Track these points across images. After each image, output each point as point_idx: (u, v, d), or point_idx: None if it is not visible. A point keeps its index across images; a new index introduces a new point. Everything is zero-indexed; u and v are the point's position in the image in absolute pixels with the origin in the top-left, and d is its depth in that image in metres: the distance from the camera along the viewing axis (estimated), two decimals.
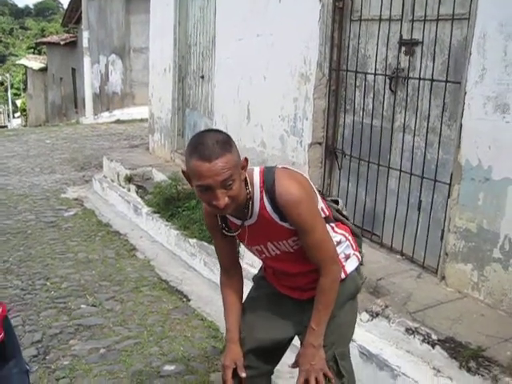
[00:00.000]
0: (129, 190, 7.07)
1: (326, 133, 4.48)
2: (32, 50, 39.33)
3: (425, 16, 3.50)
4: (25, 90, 30.47)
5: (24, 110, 28.82)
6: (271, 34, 4.95)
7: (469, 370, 2.53)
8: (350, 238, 2.23)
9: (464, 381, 2.55)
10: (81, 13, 17.06)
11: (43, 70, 24.81)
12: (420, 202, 3.65)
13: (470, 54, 3.07)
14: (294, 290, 2.21)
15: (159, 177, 6.89)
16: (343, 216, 2.30)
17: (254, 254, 2.18)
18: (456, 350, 2.65)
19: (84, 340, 3.47)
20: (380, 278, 3.47)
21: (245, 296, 2.30)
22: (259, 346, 2.19)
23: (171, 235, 5.43)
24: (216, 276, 4.48)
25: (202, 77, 6.87)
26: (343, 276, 2.12)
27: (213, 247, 4.64)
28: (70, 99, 20.99)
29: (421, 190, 3.62)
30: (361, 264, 2.26)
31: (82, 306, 3.99)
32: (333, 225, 2.16)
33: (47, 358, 3.25)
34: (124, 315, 3.83)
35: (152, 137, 8.32)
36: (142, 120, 14.05)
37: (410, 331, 2.87)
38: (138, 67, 15.05)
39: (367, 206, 4.14)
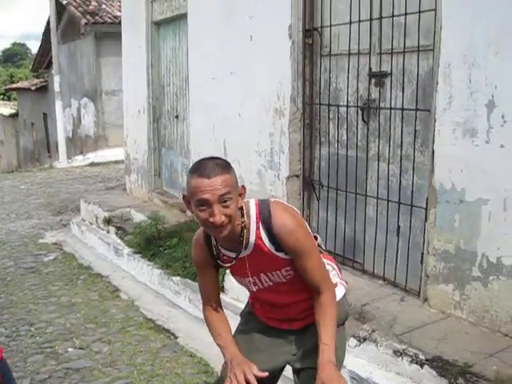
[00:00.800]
0: (108, 232, 7.06)
1: (302, 165, 4.60)
2: (1, 96, 39.29)
3: (392, 48, 3.67)
4: None
5: None
6: (244, 71, 5.10)
7: None
8: (335, 267, 2.32)
9: None
10: (51, 58, 17.16)
11: (14, 115, 24.75)
12: (398, 227, 3.76)
13: (437, 83, 3.23)
14: (283, 322, 2.24)
15: (138, 217, 6.91)
16: (323, 248, 2.38)
17: (245, 285, 2.21)
18: (444, 368, 2.72)
19: (74, 383, 3.45)
20: (365, 303, 3.54)
21: (233, 330, 2.32)
22: None
23: (154, 274, 5.44)
24: (201, 312, 4.53)
25: (177, 116, 6.98)
26: None
27: (197, 284, 4.72)
28: (43, 144, 20.93)
29: (398, 215, 3.74)
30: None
31: (70, 349, 3.97)
32: (320, 255, 2.22)
33: None
34: (112, 356, 3.82)
35: (129, 177, 8.36)
36: (116, 162, 14.08)
37: (397, 353, 2.93)
38: (110, 109, 15.14)
39: (347, 234, 4.24)
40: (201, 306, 4.52)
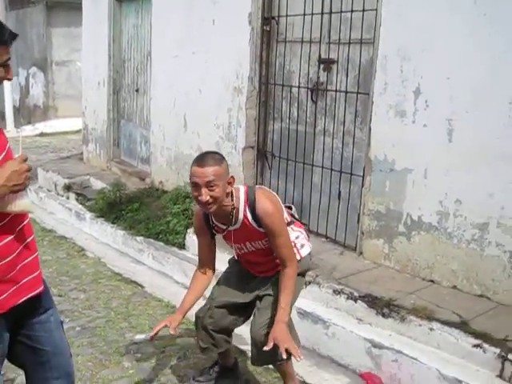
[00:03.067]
0: (68, 198, 7.43)
1: (257, 138, 5.18)
2: None
3: (339, 39, 4.28)
4: None
5: None
6: (206, 51, 5.59)
7: (383, 315, 3.29)
8: (304, 232, 3.01)
9: (380, 324, 3.31)
10: None
11: None
12: (339, 192, 4.41)
13: (375, 71, 3.87)
14: (259, 272, 2.93)
15: (98, 184, 7.32)
16: (296, 218, 3.08)
17: (235, 250, 2.89)
18: (373, 302, 3.40)
19: None
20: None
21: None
22: (224, 305, 2.90)
23: (118, 235, 5.91)
24: (164, 267, 5.09)
25: (137, 90, 7.39)
26: (298, 258, 2.82)
27: (160, 243, 5.24)
28: None
29: (340, 182, 4.39)
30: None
31: None
32: (292, 226, 2.90)
33: None
34: (90, 301, 4.32)
35: (86, 147, 8.70)
36: (66, 132, 14.22)
37: (336, 292, 3.59)
38: (60, 80, 15.17)
39: (295, 199, 4.86)
40: (164, 262, 5.11)
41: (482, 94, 3.32)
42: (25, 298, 2.02)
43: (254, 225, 2.66)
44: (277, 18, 4.85)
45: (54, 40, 14.93)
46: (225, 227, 2.76)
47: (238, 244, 2.82)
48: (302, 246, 2.91)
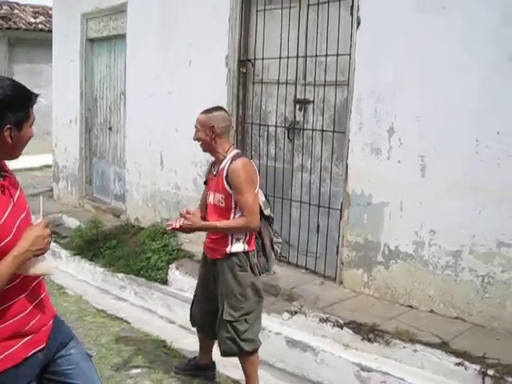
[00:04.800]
0: None
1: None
2: None
3: (314, 81, 4.57)
4: None
5: None
6: (182, 91, 5.81)
7: (369, 340, 3.51)
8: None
9: (366, 348, 3.52)
10: None
11: None
12: (318, 225, 4.64)
13: (351, 111, 4.16)
14: (211, 250, 3.31)
15: (71, 222, 7.38)
16: (270, 223, 3.41)
17: (208, 199, 3.31)
18: (358, 328, 3.62)
19: None
20: (292, 287, 4.40)
21: None
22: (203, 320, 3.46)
23: (97, 272, 5.98)
24: (147, 302, 5.19)
25: (110, 128, 7.53)
26: (228, 251, 3.19)
27: (142, 279, 5.35)
28: None
29: (318, 216, 4.62)
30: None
31: None
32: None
33: None
34: (79, 338, 4.37)
35: (57, 184, 8.75)
36: (30, 169, 14.12)
37: (322, 320, 3.80)
38: None
39: None
40: (147, 298, 5.19)
41: (449, 132, 3.64)
42: (34, 351, 2.06)
43: (224, 176, 3.14)
44: (253, 61, 5.12)
45: (16, 76, 14.84)
46: (213, 173, 3.29)
47: (211, 191, 3.29)
48: (237, 239, 3.22)
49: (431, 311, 3.79)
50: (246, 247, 3.23)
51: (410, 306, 3.90)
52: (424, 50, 3.74)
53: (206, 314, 3.41)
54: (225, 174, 3.13)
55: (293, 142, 4.85)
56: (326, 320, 3.78)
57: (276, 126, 4.97)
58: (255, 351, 3.26)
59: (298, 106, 4.77)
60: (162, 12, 6.01)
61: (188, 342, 4.24)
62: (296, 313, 3.99)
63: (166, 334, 4.44)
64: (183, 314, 4.62)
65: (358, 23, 4.03)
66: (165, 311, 4.94)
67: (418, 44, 3.77)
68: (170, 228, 3.23)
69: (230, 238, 3.20)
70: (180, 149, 5.94)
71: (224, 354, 3.30)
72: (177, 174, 6.08)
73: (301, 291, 4.32)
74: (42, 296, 2.19)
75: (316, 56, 4.50)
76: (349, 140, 4.20)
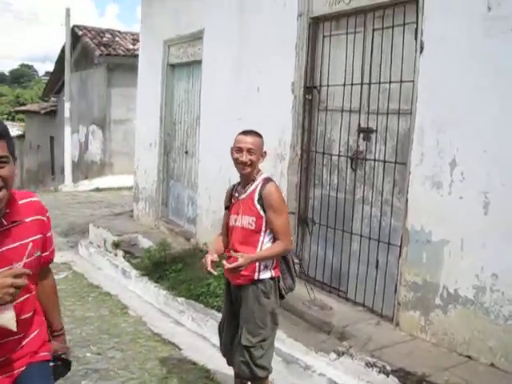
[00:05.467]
0: (116, 255, 7.63)
1: (298, 204, 5.24)
2: (6, 116, 40.03)
3: (377, 109, 4.35)
4: None
5: None
6: (250, 118, 5.76)
7: None
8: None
9: None
10: (62, 84, 17.95)
11: (20, 136, 25.45)
12: (377, 261, 4.38)
13: (412, 142, 3.91)
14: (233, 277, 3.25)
15: (145, 242, 7.51)
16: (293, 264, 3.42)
17: (231, 222, 3.33)
18: (406, 377, 3.33)
19: (94, 380, 4.04)
20: (346, 325, 4.16)
21: None
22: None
23: (160, 295, 6.01)
24: (203, 329, 5.11)
25: (186, 152, 7.64)
26: (256, 277, 3.21)
27: (200, 305, 5.30)
28: (47, 166, 21.59)
29: (378, 251, 4.37)
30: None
31: (88, 354, 4.54)
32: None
33: None
34: (126, 361, 4.39)
35: (136, 205, 8.97)
36: (120, 188, 14.70)
37: (369, 365, 3.54)
38: (117, 138, 15.84)
39: (334, 266, 4.86)
40: (202, 325, 5.15)
41: None
42: None
43: (255, 198, 3.20)
44: (318, 88, 4.99)
45: (113, 99, 15.68)
46: (237, 196, 3.33)
47: (236, 214, 3.29)
48: (265, 267, 3.26)
49: (491, 365, 3.41)
50: (273, 273, 3.28)
51: (469, 357, 3.54)
52: (492, 77, 3.44)
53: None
54: (257, 197, 3.22)
55: (355, 172, 4.64)
56: (372, 365, 3.52)
57: (339, 156, 4.78)
58: (267, 377, 3.33)
59: (361, 135, 4.57)
60: (236, 40, 6.03)
61: (232, 373, 4.12)
62: (343, 354, 3.75)
63: (213, 364, 4.33)
64: None
65: (422, 48, 3.80)
66: (217, 340, 4.84)
67: (485, 70, 3.48)
68: (210, 269, 3.23)
69: (257, 264, 3.22)
70: None
71: (236, 375, 3.38)
72: None
73: (354, 330, 4.08)
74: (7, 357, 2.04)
75: (380, 83, 4.30)
76: (409, 172, 3.94)
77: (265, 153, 3.35)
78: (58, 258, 8.28)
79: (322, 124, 5.00)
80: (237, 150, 3.25)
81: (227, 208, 3.45)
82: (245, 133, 3.30)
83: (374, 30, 4.35)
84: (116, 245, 7.76)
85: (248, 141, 3.23)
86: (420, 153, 3.85)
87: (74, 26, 16.78)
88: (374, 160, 4.40)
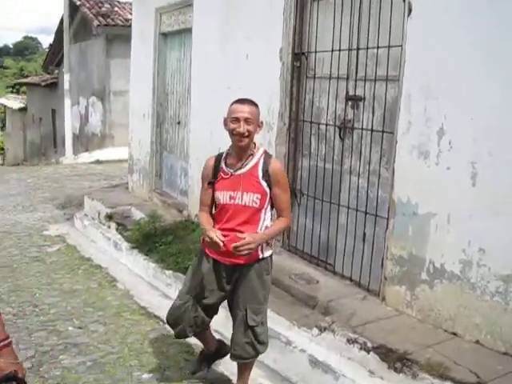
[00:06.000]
0: (109, 227, 7.52)
1: (286, 175, 5.07)
2: (10, 88, 39.83)
3: (365, 76, 4.16)
4: (3, 128, 30.90)
5: (2, 149, 29.21)
6: (240, 86, 5.58)
7: (395, 369, 3.09)
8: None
9: (392, 379, 3.10)
10: (62, 55, 17.70)
11: (22, 109, 25.29)
12: (364, 234, 4.24)
13: (399, 110, 3.72)
14: (226, 257, 3.11)
15: (138, 215, 7.39)
16: None
17: (221, 198, 3.10)
18: (387, 354, 3.21)
19: (72, 355, 3.96)
20: (330, 299, 4.03)
21: None
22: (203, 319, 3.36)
23: (149, 267, 5.91)
24: None
25: (179, 122, 7.47)
26: (261, 256, 3.11)
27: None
28: (49, 139, 21.46)
29: (365, 223, 4.22)
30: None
31: (70, 328, 4.46)
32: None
33: (41, 369, 3.74)
34: (107, 335, 4.31)
35: (131, 177, 8.85)
36: (120, 161, 14.53)
37: (350, 341, 3.42)
38: (117, 109, 15.63)
39: (322, 238, 4.72)
40: None
41: (508, 136, 3.12)
42: None
43: (260, 176, 3.04)
44: (306, 54, 4.79)
45: (112, 70, 15.43)
46: (231, 171, 3.10)
47: (232, 191, 3.07)
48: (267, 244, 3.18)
49: (477, 342, 3.28)
50: (272, 250, 3.26)
51: (454, 334, 3.41)
52: (484, 41, 3.23)
53: (206, 312, 3.34)
54: (261, 173, 3.06)
55: (343, 141, 4.46)
56: (354, 341, 3.40)
57: (327, 125, 4.60)
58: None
59: (349, 103, 4.38)
60: (224, 5, 5.81)
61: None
62: (325, 329, 3.63)
63: (195, 340, 4.23)
64: (219, 318, 4.43)
65: (410, 10, 3.58)
66: None
67: (477, 35, 3.27)
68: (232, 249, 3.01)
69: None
70: None
71: (237, 358, 3.25)
72: None
73: (338, 305, 3.95)
74: None
75: (367, 48, 4.09)
76: (396, 141, 3.76)
77: (261, 123, 3.15)
78: (53, 230, 8.24)
79: (310, 92, 4.81)
80: (233, 120, 3.03)
81: (210, 183, 3.19)
82: (241, 101, 3.07)
83: None
84: (109, 217, 7.64)
85: (245, 110, 3.02)
86: (407, 121, 3.67)
87: None
88: (362, 129, 4.22)
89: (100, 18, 14.98)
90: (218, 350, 3.59)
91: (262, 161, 3.08)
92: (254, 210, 3.07)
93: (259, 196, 3.05)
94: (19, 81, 28.88)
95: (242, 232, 3.04)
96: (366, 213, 4.19)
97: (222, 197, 3.11)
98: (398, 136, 3.74)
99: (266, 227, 3.13)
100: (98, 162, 15.47)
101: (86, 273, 6.11)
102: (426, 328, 3.54)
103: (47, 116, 21.66)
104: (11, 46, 66.60)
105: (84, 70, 17.22)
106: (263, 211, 3.11)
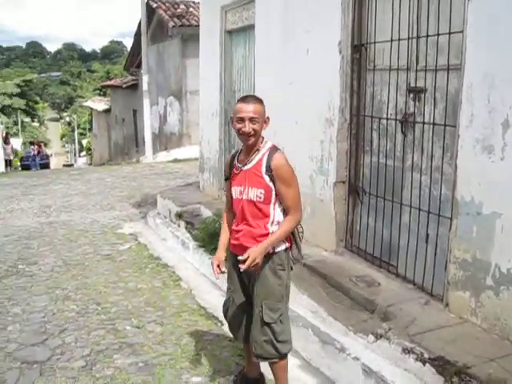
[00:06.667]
0: (179, 226, 7.60)
1: (348, 172, 4.88)
2: (98, 91, 41.64)
3: (426, 66, 3.89)
4: (90, 130, 32.38)
5: (89, 149, 30.62)
6: (301, 82, 5.44)
7: None
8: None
9: None
10: (141, 57, 18.21)
11: (107, 111, 26.32)
12: (427, 234, 3.97)
13: (461, 101, 3.44)
14: (241, 249, 3.10)
15: (206, 213, 7.40)
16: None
17: (235, 193, 3.16)
18: (444, 367, 2.96)
19: (126, 355, 3.99)
20: (390, 304, 3.80)
21: None
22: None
23: None
24: None
25: None
26: (271, 251, 3.08)
27: None
28: (132, 139, 22.18)
29: (428, 223, 3.95)
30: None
31: (128, 327, 4.51)
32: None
33: (93, 368, 3.81)
34: (163, 336, 4.32)
35: (202, 175, 8.89)
36: (197, 159, 14.73)
37: (406, 351, 3.19)
38: (193, 108, 15.85)
39: (385, 238, 4.48)
40: None
41: None
42: None
43: (263, 170, 3.03)
44: (366, 45, 4.56)
45: (188, 70, 15.69)
46: (240, 166, 3.14)
47: (240, 186, 3.12)
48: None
49: None
50: (287, 244, 3.18)
51: None
52: None
53: (247, 320, 3.30)
54: (264, 168, 3.05)
55: (405, 136, 4.21)
56: (410, 351, 3.17)
57: (387, 119, 4.36)
58: (286, 355, 3.23)
59: (411, 96, 4.12)
60: (284, 0, 5.67)
61: None
62: (381, 337, 3.42)
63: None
64: None
65: None
66: None
67: None
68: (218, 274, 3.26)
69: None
70: (299, 142, 5.59)
71: (259, 357, 3.22)
72: (295, 169, 5.68)
73: (398, 310, 3.72)
74: None
75: (427, 36, 3.82)
76: (458, 136, 3.48)
77: (268, 118, 3.13)
78: (127, 228, 8.44)
79: (370, 85, 4.58)
80: (238, 120, 3.05)
81: (227, 179, 3.27)
82: (245, 100, 3.08)
83: None
84: (179, 215, 7.72)
85: (250, 109, 3.02)
86: (470, 113, 3.38)
87: (148, 0, 16.87)
88: (423, 123, 3.95)
89: (175, 19, 15.25)
90: (256, 381, 3.51)
91: (266, 155, 3.08)
92: (261, 204, 3.09)
93: (262, 191, 3.06)
94: (103, 83, 30.10)
95: (253, 227, 3.10)
96: (428, 212, 3.92)
97: (234, 192, 3.19)
98: (461, 130, 3.46)
99: (278, 222, 3.10)
100: (175, 160, 15.79)
101: (152, 271, 6.18)
102: (491, 339, 3.25)
103: (129, 117, 22.38)
104: (98, 51, 69.56)
105: (162, 70, 17.62)
106: (271, 206, 3.10)
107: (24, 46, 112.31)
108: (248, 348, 3.36)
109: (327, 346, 3.70)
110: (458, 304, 3.56)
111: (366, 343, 3.49)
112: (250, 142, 3.08)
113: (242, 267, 2.97)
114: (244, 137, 3.07)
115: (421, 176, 4.04)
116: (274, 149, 3.13)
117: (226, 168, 3.31)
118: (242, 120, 3.03)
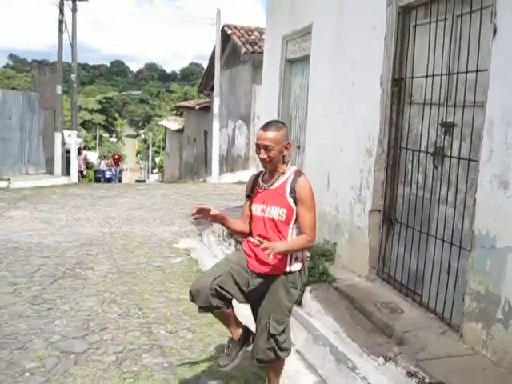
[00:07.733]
0: (230, 245, 7.89)
1: (384, 201, 5.02)
2: (174, 111, 43.17)
3: (455, 102, 4.03)
4: (164, 148, 33.52)
5: (161, 167, 31.68)
6: (347, 112, 5.65)
7: None
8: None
9: None
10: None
11: (180, 130, 27.29)
12: (449, 266, 4.05)
13: (482, 137, 3.55)
14: (256, 263, 3.31)
15: None
16: None
17: (256, 211, 3.33)
18: None
19: (154, 356, 4.32)
20: (406, 330, 3.91)
21: None
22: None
23: None
24: None
25: (299, 147, 7.66)
26: (288, 269, 3.28)
27: None
28: (202, 159, 22.89)
29: (450, 255, 4.04)
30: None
31: (161, 331, 4.84)
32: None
33: (122, 363, 4.16)
34: (192, 342, 4.60)
35: None
36: None
37: (409, 374, 3.29)
38: None
39: (412, 268, 4.58)
40: None
41: None
42: None
43: (287, 191, 3.23)
44: (405, 80, 4.73)
45: (257, 96, 16.14)
46: (265, 186, 3.33)
47: (262, 204, 3.30)
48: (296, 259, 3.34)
49: None
50: (301, 265, 3.38)
51: None
52: None
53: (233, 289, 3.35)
54: (289, 189, 3.25)
55: (437, 169, 4.32)
56: (412, 374, 3.28)
57: (419, 151, 4.49)
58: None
59: (443, 130, 4.25)
60: (335, 32, 5.93)
61: (293, 369, 4.11)
62: (390, 359, 3.54)
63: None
64: (301, 338, 4.50)
65: (495, 31, 3.43)
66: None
67: None
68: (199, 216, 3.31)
69: (289, 256, 3.30)
70: (342, 170, 5.79)
71: (259, 362, 3.45)
72: (337, 196, 5.91)
73: (412, 337, 3.82)
74: None
75: (458, 73, 3.96)
76: (478, 170, 3.58)
77: (289, 144, 3.32)
78: (182, 244, 8.83)
79: (408, 118, 4.73)
80: (256, 146, 3.28)
81: (248, 197, 3.46)
82: (264, 128, 3.27)
83: (456, 16, 4.02)
84: (231, 234, 8.00)
85: (266, 137, 3.22)
86: (489, 149, 3.48)
87: (224, 26, 17.56)
88: (450, 157, 4.07)
89: (248, 46, 15.80)
90: (246, 336, 3.60)
91: (291, 178, 3.28)
92: (282, 223, 3.27)
93: (285, 211, 3.25)
94: (178, 104, 31.21)
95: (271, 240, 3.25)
96: (451, 244, 4.01)
97: (255, 209, 3.36)
98: (481, 165, 3.56)
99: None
100: (239, 182, 16.20)
101: None
102: (498, 372, 3.30)
103: (200, 137, 23.14)
104: (178, 72, 71.90)
105: (233, 94, 18.21)
106: (291, 226, 3.28)
107: (108, 64, 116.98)
108: (224, 314, 3.50)
109: (341, 364, 3.84)
110: (472, 335, 3.62)
111: (377, 365, 3.61)
112: (267, 167, 3.32)
113: (261, 245, 3.00)
114: (261, 162, 3.31)
115: (446, 208, 4.14)
116: (299, 173, 3.34)
117: (249, 186, 3.50)
118: (258, 147, 3.26)
